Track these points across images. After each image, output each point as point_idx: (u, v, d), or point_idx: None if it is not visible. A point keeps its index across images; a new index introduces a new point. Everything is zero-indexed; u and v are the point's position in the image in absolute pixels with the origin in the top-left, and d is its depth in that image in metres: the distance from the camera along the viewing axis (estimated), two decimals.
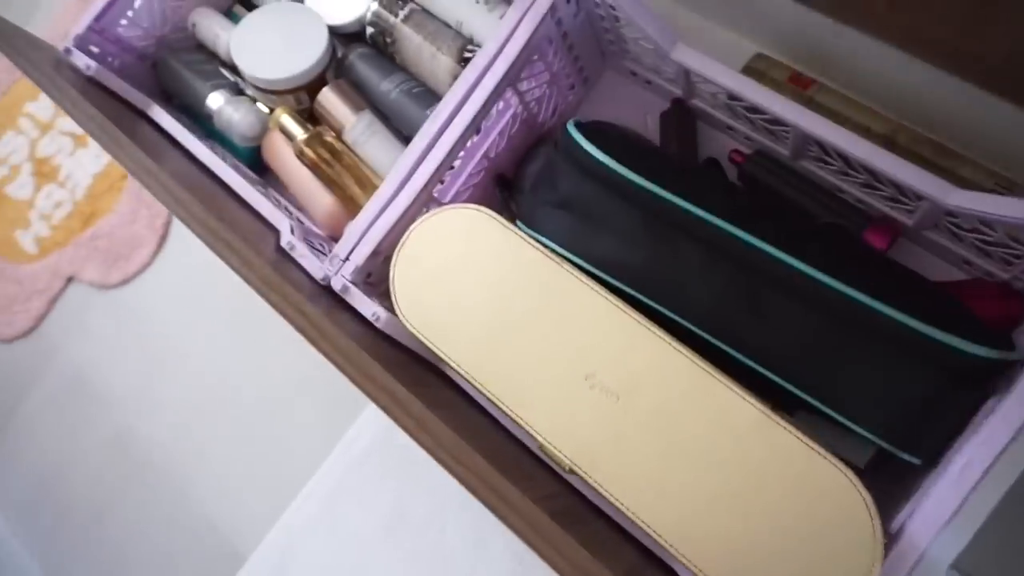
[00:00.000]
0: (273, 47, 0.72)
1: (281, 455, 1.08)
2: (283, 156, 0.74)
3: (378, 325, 0.56)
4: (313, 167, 0.71)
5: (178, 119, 0.74)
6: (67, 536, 1.25)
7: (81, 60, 0.71)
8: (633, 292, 0.50)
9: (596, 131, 0.54)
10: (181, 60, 0.78)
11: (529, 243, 0.51)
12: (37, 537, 1.27)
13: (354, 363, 0.50)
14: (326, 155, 0.71)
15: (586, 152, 0.51)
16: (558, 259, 0.50)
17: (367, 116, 0.71)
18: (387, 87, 0.72)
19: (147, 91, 0.79)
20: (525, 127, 0.66)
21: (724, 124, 0.65)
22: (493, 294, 0.52)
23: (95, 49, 0.75)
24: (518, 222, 0.56)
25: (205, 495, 1.13)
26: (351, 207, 0.70)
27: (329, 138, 0.72)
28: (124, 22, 0.75)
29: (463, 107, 0.57)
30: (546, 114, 0.68)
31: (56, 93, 0.65)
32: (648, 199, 0.49)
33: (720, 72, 0.56)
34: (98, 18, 0.73)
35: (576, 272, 0.49)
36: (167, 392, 1.25)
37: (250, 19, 0.74)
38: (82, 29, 0.72)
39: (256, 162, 0.79)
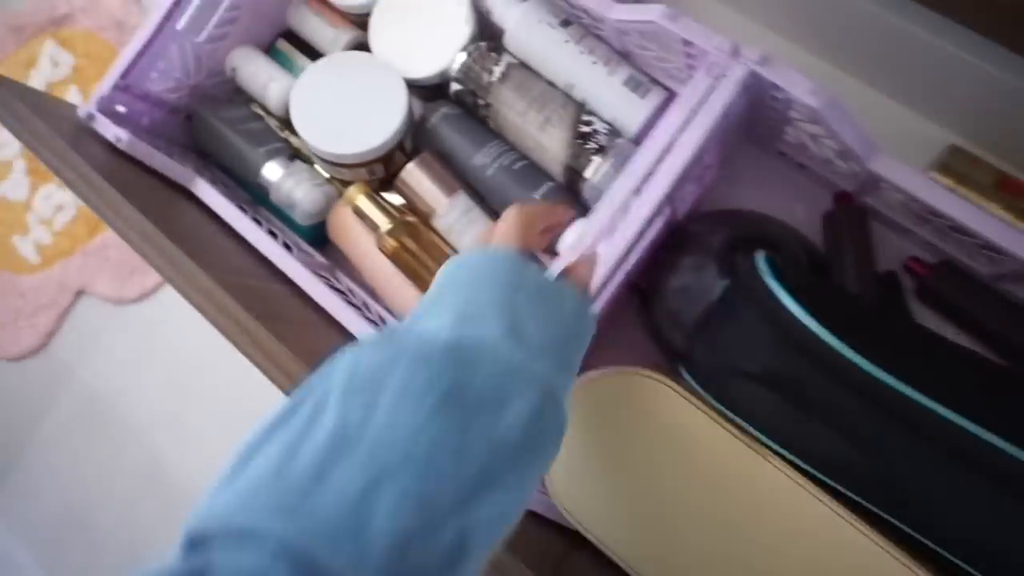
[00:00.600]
0: (343, 112, 0.60)
1: None
2: (356, 239, 0.63)
3: None
4: (396, 258, 0.60)
5: (225, 192, 0.62)
6: (101, 570, 1.19)
7: (108, 129, 0.58)
8: (855, 496, 0.41)
9: (789, 278, 0.43)
10: (222, 118, 0.65)
11: (721, 425, 0.42)
12: (71, 571, 1.21)
13: None
14: (413, 246, 0.59)
15: (796, 320, 0.41)
16: (760, 448, 0.41)
17: (463, 200, 0.59)
18: (482, 160, 0.60)
19: (181, 149, 0.67)
20: (663, 223, 0.55)
21: (900, 226, 0.55)
22: (667, 476, 0.43)
23: (122, 109, 0.62)
24: (686, 373, 0.47)
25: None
26: None
27: (417, 225, 0.60)
28: (155, 75, 0.62)
29: (619, 231, 0.46)
30: (684, 204, 0.57)
31: (74, 178, 0.53)
32: (877, 388, 0.39)
33: (927, 189, 0.45)
34: (125, 73, 0.60)
35: (788, 470, 0.41)
36: (199, 419, 1.16)
37: (312, 75, 0.61)
38: (107, 89, 0.59)
39: (318, 235, 0.67)
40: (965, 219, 0.45)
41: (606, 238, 0.47)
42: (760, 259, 0.45)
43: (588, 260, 0.43)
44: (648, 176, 0.46)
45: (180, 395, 1.18)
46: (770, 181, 0.60)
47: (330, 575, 0.23)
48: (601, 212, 0.47)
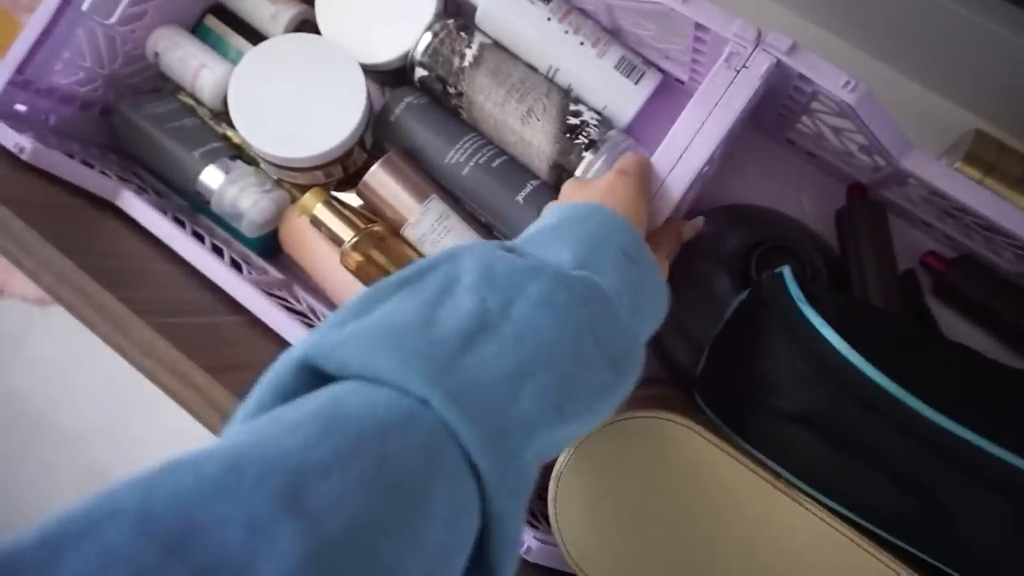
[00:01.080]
0: (291, 107, 0.51)
1: None
2: (314, 251, 0.55)
3: (528, 557, 0.42)
4: (361, 274, 0.53)
5: (157, 203, 0.53)
6: None
7: (6, 137, 0.48)
8: (904, 545, 0.37)
9: (822, 300, 0.39)
10: (147, 115, 0.55)
11: (751, 470, 0.37)
12: None
13: None
14: (381, 259, 0.52)
15: (838, 355, 0.36)
16: (797, 495, 0.37)
17: (437, 205, 0.52)
18: (456, 158, 0.53)
19: (100, 151, 0.57)
20: None
21: (919, 220, 0.50)
22: (693, 528, 0.38)
23: (21, 108, 0.52)
24: (701, 401, 0.42)
25: None
26: None
27: (385, 236, 0.53)
28: (59, 66, 0.52)
29: None
30: (684, 205, 0.51)
31: None
32: (934, 431, 0.35)
33: (959, 187, 0.41)
34: (22, 67, 0.50)
35: (830, 518, 0.37)
36: (140, 429, 1.08)
37: (252, 62, 0.52)
38: (1, 85, 0.49)
39: (269, 244, 0.59)
40: (997, 217, 0.41)
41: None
42: (788, 278, 0.40)
43: (675, 228, 0.41)
44: (659, 182, 0.41)
45: (117, 403, 1.09)
46: (774, 170, 0.54)
47: (461, 442, 0.23)
48: None
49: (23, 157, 0.48)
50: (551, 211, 0.37)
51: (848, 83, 0.38)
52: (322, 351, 0.24)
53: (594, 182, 0.39)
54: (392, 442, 0.21)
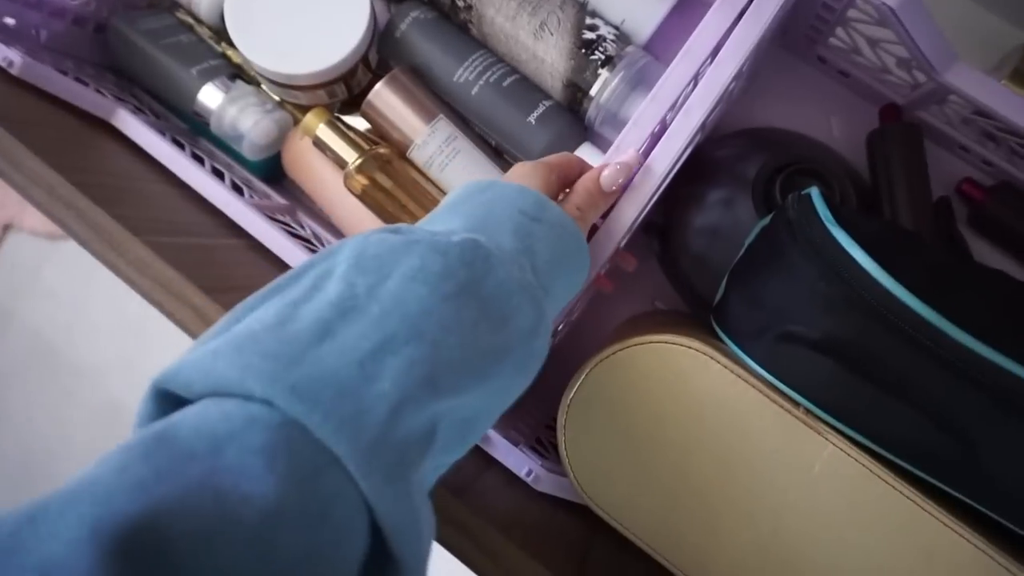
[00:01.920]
0: (291, 21, 0.49)
1: None
2: (318, 175, 0.53)
3: (535, 486, 0.41)
4: (367, 197, 0.51)
5: (155, 124, 0.51)
6: None
7: None
8: (930, 478, 0.35)
9: (854, 223, 0.36)
10: (143, 30, 0.53)
11: (770, 398, 0.36)
12: None
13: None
14: (387, 183, 0.50)
15: (869, 278, 0.34)
16: (816, 423, 0.36)
17: (444, 126, 0.50)
18: (465, 76, 0.50)
19: (95, 70, 0.55)
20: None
21: (957, 144, 0.47)
22: (706, 457, 0.37)
23: (10, 21, 0.49)
24: (719, 330, 0.40)
25: None
26: None
27: (391, 158, 0.51)
28: None
29: (647, 161, 0.38)
30: (707, 125, 0.48)
31: None
32: (969, 359, 0.33)
33: (1007, 103, 0.38)
34: None
35: (850, 448, 0.35)
36: (156, 361, 1.08)
37: None
38: None
39: (271, 168, 0.57)
40: None
41: (630, 171, 0.38)
42: (816, 197, 0.37)
43: (611, 178, 0.37)
44: (683, 95, 0.38)
45: (133, 336, 1.09)
46: (800, 91, 0.51)
47: (315, 434, 0.22)
48: (626, 140, 0.38)
49: (12, 71, 0.46)
50: (454, 191, 0.35)
51: None
52: (167, 373, 0.23)
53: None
54: (227, 454, 0.20)
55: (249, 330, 0.24)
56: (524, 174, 0.35)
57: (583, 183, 0.37)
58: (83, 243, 0.39)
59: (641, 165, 0.38)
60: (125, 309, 1.10)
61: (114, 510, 0.18)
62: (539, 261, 0.31)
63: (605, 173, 0.37)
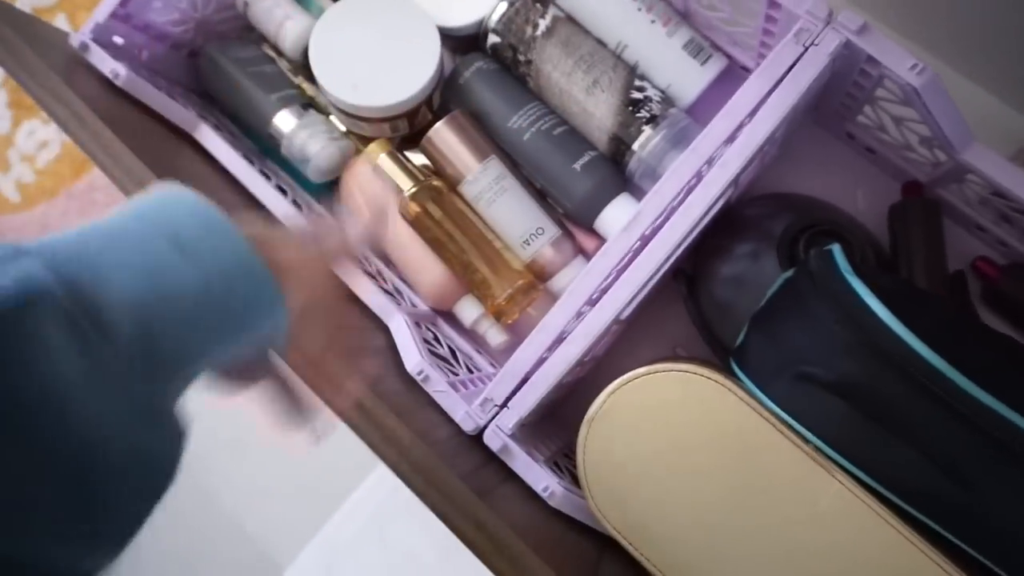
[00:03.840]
0: (367, 60, 0.54)
1: (324, 458, 0.95)
2: (372, 201, 0.58)
3: (550, 502, 0.43)
4: (417, 224, 0.55)
5: (231, 141, 0.56)
6: None
7: (104, 62, 0.52)
8: (931, 523, 0.37)
9: (871, 277, 0.39)
10: (232, 58, 0.59)
11: (783, 433, 0.38)
12: None
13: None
14: (437, 212, 0.54)
15: (882, 326, 0.36)
16: (825, 462, 0.38)
17: (496, 166, 0.54)
18: (519, 123, 0.54)
19: (183, 91, 0.61)
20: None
21: (973, 223, 0.50)
22: (717, 485, 0.39)
23: (119, 41, 0.55)
24: (738, 370, 0.42)
25: (235, 499, 1.01)
26: (465, 278, 0.55)
27: (443, 191, 0.55)
28: (158, 3, 0.55)
29: (683, 207, 0.42)
30: (740, 184, 0.52)
31: (67, 117, 0.47)
32: (976, 409, 0.35)
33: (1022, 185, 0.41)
34: (124, 1, 0.53)
35: (857, 488, 0.37)
36: None
37: (334, 16, 0.55)
38: (104, 16, 0.53)
39: (328, 194, 0.61)
40: None
41: (662, 220, 0.42)
42: (837, 252, 0.40)
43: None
44: (718, 152, 0.42)
45: None
46: (829, 164, 0.55)
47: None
48: (663, 190, 0.42)
49: (117, 83, 0.52)
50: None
51: (915, 66, 0.38)
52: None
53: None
54: None
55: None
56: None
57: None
58: None
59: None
60: None
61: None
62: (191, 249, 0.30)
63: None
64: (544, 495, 0.43)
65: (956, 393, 0.35)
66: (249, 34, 0.63)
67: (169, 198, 0.31)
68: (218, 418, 1.05)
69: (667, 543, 0.40)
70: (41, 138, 1.25)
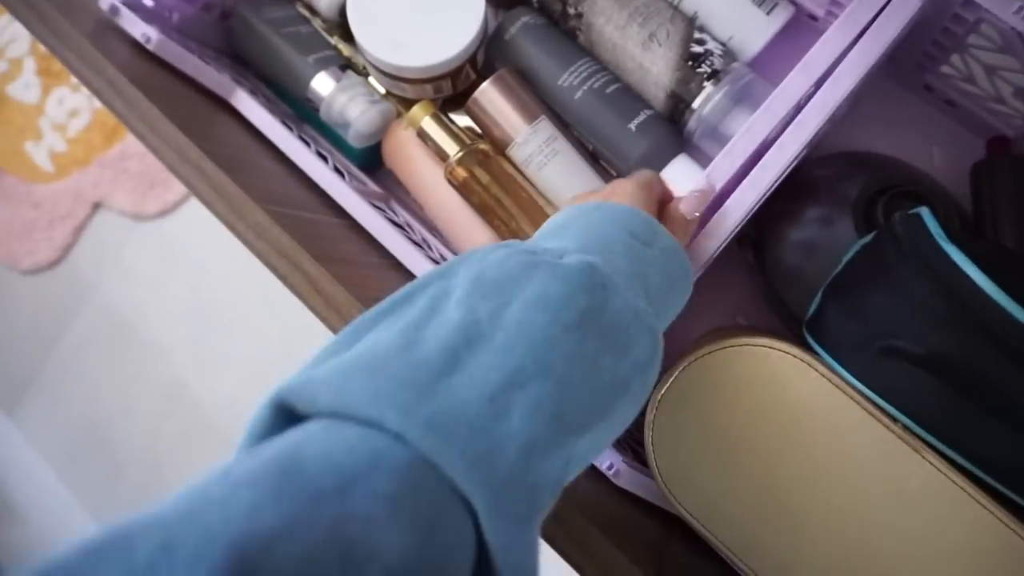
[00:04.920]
0: (408, 17, 0.51)
1: None
2: (417, 166, 0.55)
3: (616, 481, 0.42)
4: (465, 190, 0.52)
5: (268, 107, 0.54)
6: (125, 491, 1.17)
7: (135, 26, 0.49)
8: (1016, 497, 0.35)
9: (965, 241, 0.36)
10: (266, 19, 0.56)
11: (868, 411, 0.36)
12: (92, 490, 1.19)
13: None
14: (485, 177, 0.52)
15: (982, 295, 0.33)
16: (914, 441, 0.35)
17: (546, 127, 0.51)
18: (569, 81, 0.51)
19: (215, 54, 0.58)
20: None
21: None
22: (794, 465, 0.37)
23: (148, 3, 0.53)
24: (815, 343, 0.40)
25: None
26: None
27: (490, 154, 0.52)
28: None
29: (756, 169, 0.39)
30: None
31: (102, 86, 0.45)
32: None
33: None
34: None
35: (949, 470, 0.35)
36: (224, 343, 1.12)
37: None
38: None
39: (369, 159, 0.59)
40: None
41: (735, 183, 0.39)
42: (927, 215, 0.37)
43: (693, 205, 0.38)
44: (795, 110, 0.38)
45: (204, 316, 1.13)
46: (904, 120, 0.51)
47: (445, 474, 0.21)
48: (735, 150, 0.39)
49: (149, 47, 0.49)
50: (563, 209, 0.35)
51: (1022, 8, 0.35)
52: (293, 387, 0.23)
53: (593, 192, 0.38)
54: (355, 496, 0.19)
55: (374, 351, 0.24)
56: (629, 194, 0.35)
57: (675, 211, 0.37)
58: (208, 204, 0.41)
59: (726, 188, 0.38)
60: (199, 293, 1.14)
61: (247, 559, 0.17)
62: (651, 287, 0.31)
63: (685, 202, 0.37)
64: (609, 473, 0.41)
65: None
66: None
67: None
68: (221, 341, 1.06)
69: (741, 525, 0.38)
70: (71, 106, 1.24)
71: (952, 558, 0.34)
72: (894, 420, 0.36)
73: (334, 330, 0.39)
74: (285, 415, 0.23)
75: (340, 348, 0.25)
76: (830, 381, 0.36)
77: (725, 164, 0.39)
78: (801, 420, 0.36)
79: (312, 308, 0.39)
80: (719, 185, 0.39)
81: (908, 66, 0.48)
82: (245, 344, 1.10)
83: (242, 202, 0.41)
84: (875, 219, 0.44)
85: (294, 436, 0.21)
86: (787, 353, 0.37)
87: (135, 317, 1.19)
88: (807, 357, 0.36)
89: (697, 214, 0.37)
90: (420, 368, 0.23)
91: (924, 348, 0.35)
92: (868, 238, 0.41)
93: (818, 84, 0.38)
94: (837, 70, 0.37)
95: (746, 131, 0.38)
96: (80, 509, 1.21)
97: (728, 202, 0.39)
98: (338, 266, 0.42)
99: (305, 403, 0.22)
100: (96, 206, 1.22)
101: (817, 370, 0.36)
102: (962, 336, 0.34)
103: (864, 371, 0.36)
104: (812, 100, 0.38)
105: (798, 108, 0.39)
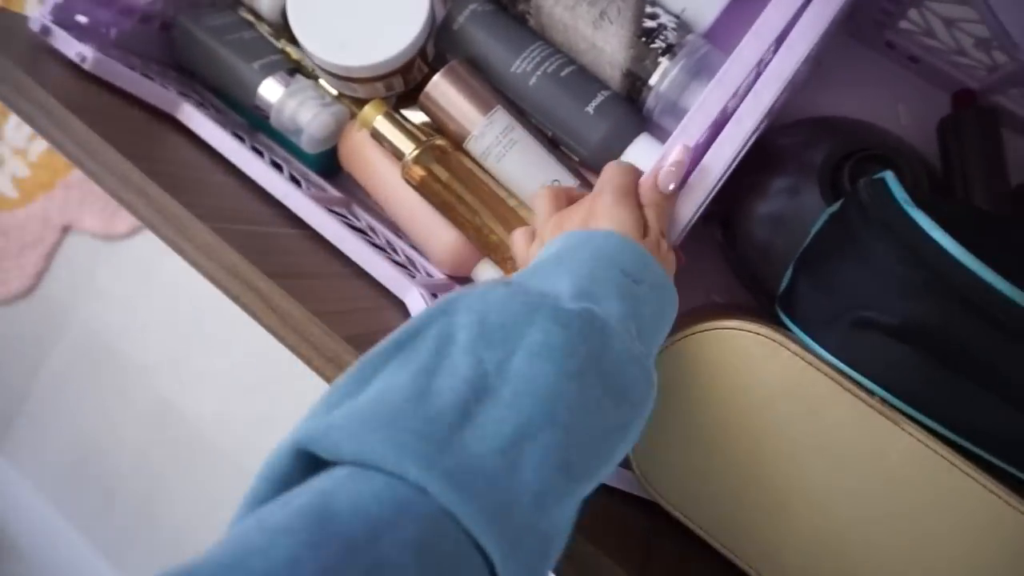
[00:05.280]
0: (350, 15, 0.49)
1: None
2: (374, 167, 0.54)
3: None
4: (424, 188, 0.51)
5: (217, 118, 0.52)
6: (120, 516, 1.16)
7: (69, 45, 0.48)
8: (1001, 463, 0.34)
9: (932, 205, 0.35)
10: (207, 27, 0.54)
11: (842, 386, 0.35)
12: (88, 517, 1.18)
13: None
14: (443, 174, 0.50)
15: (952, 260, 0.32)
16: (892, 413, 0.34)
17: (502, 118, 0.50)
18: (522, 68, 0.50)
19: (159, 67, 0.56)
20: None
21: None
22: (774, 446, 0.36)
23: (82, 19, 0.51)
24: (787, 319, 0.39)
25: None
26: (479, 241, 0.51)
27: (447, 150, 0.51)
28: None
29: (714, 146, 0.37)
30: (772, 112, 0.47)
31: (31, 111, 0.44)
32: None
33: None
34: None
35: (929, 439, 0.34)
36: (205, 361, 1.10)
37: None
38: None
39: (328, 163, 0.58)
40: None
41: (693, 163, 0.38)
42: (891, 179, 0.36)
43: (652, 200, 0.37)
44: (750, 80, 0.37)
45: (183, 333, 1.11)
46: (867, 79, 0.50)
47: (464, 525, 0.22)
48: (689, 128, 0.37)
49: (84, 66, 0.48)
50: (549, 244, 0.35)
51: None
52: (315, 435, 0.24)
53: (572, 210, 0.38)
54: (383, 544, 0.20)
55: (390, 399, 0.25)
56: (609, 215, 0.35)
57: (649, 198, 0.37)
58: (153, 228, 0.40)
59: (692, 159, 0.37)
60: (176, 311, 1.13)
61: None
62: (643, 326, 0.31)
63: (661, 177, 0.36)
64: None
65: None
66: None
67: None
68: (245, 395, 1.04)
69: (723, 511, 0.37)
70: (30, 130, 1.21)
71: (936, 527, 0.34)
72: (871, 394, 0.35)
73: (291, 347, 0.38)
74: (306, 459, 0.24)
75: (352, 389, 0.26)
76: (802, 359, 0.35)
77: (677, 143, 0.38)
78: (777, 401, 0.36)
79: (267, 327, 0.38)
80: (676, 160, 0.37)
81: (867, 24, 0.46)
82: (227, 358, 1.09)
83: (188, 223, 0.40)
84: (841, 186, 0.43)
85: (323, 484, 0.22)
86: (757, 334, 0.35)
87: (114, 339, 1.17)
88: (777, 336, 0.35)
89: (672, 187, 0.36)
90: (435, 423, 0.24)
91: (896, 318, 0.34)
92: (835, 206, 0.40)
93: (775, 49, 0.37)
94: (791, 35, 0.36)
95: (699, 108, 0.37)
96: (78, 536, 1.20)
97: (688, 182, 0.38)
98: (294, 280, 0.40)
99: (328, 451, 0.23)
100: (65, 229, 1.20)
101: (789, 349, 0.35)
102: (933, 303, 0.33)
103: (838, 346, 0.35)
104: (767, 69, 0.36)
105: (757, 76, 0.37)
